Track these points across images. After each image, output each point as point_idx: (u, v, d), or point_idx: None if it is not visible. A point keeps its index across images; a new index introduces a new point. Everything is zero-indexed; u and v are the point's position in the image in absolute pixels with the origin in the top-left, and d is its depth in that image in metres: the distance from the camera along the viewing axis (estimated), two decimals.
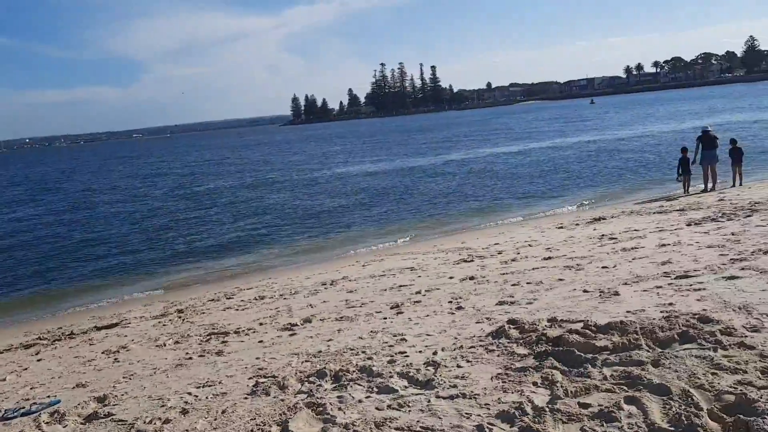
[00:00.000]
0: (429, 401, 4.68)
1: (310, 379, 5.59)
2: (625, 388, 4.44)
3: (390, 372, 5.40)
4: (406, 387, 5.05)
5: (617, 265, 8.77)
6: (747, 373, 4.39)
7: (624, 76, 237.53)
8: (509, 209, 20.48)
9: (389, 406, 4.70)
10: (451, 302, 7.95)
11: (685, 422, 3.87)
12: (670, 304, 6.33)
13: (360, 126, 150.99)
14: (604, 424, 3.99)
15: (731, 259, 7.95)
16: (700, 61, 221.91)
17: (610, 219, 14.45)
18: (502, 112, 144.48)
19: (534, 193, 23.28)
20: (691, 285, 6.96)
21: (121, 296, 13.30)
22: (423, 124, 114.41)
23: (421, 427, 4.29)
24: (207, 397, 5.51)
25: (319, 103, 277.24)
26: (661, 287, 7.09)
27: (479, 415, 4.34)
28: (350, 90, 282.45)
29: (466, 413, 4.40)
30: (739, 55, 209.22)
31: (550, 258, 10.27)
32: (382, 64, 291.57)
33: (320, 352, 6.51)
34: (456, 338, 6.25)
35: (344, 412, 4.67)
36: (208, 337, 7.85)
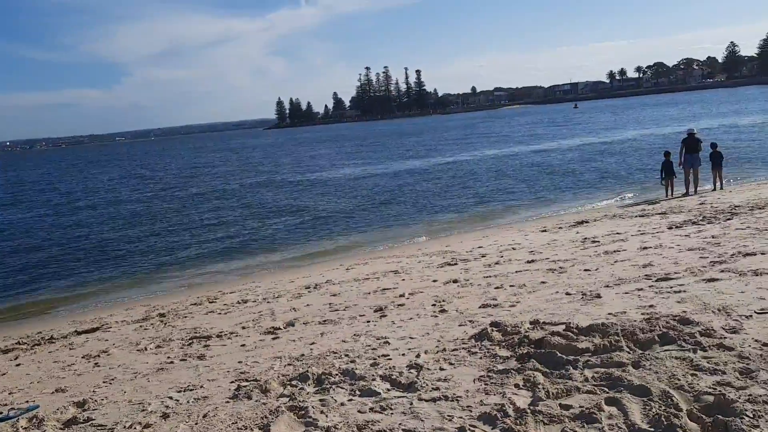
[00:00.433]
0: (411, 404, 4.68)
1: (293, 382, 5.56)
2: (606, 389, 4.46)
3: (373, 375, 5.39)
4: (388, 390, 5.04)
5: (599, 268, 8.83)
6: (726, 374, 4.43)
7: (607, 81, 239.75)
8: (493, 213, 20.56)
9: (371, 409, 4.69)
10: (434, 305, 7.96)
11: (665, 423, 3.90)
12: (651, 306, 6.38)
13: (345, 129, 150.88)
14: (585, 426, 4.01)
15: (711, 262, 8.04)
16: (682, 66, 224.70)
17: (593, 222, 14.55)
18: (486, 116, 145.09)
19: (518, 198, 23.38)
20: (671, 287, 7.03)
21: (102, 300, 13.15)
22: (409, 128, 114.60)
23: (403, 429, 4.28)
24: (188, 402, 5.46)
25: (303, 106, 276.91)
26: (642, 289, 7.15)
27: (461, 417, 4.35)
28: (335, 94, 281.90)
29: (449, 415, 4.40)
30: (720, 60, 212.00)
31: (533, 261, 10.32)
32: (367, 68, 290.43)
33: (303, 355, 6.48)
34: (439, 341, 6.26)
35: (326, 416, 4.65)
36: (190, 341, 7.79)
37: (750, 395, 4.06)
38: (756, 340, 4.95)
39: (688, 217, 12.83)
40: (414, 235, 17.55)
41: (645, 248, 9.90)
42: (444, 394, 4.78)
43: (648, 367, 4.70)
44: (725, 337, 5.10)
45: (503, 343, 5.80)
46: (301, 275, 12.83)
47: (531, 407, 4.33)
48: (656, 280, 7.50)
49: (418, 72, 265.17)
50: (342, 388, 5.20)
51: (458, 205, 22.75)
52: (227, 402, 5.32)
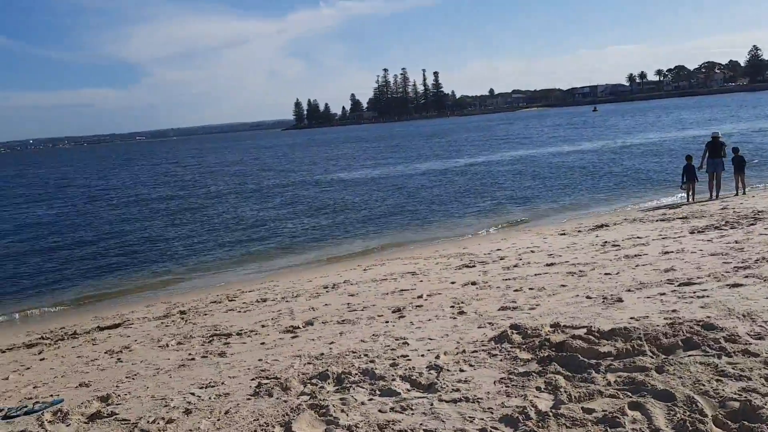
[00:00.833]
0: (432, 404, 4.68)
1: (313, 381, 5.59)
2: (629, 393, 4.44)
3: (392, 375, 5.40)
4: (408, 390, 5.05)
5: (620, 272, 8.76)
6: (751, 380, 4.39)
7: (627, 84, 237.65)
8: (511, 214, 20.48)
9: (392, 409, 4.70)
10: (453, 307, 7.95)
11: (690, 428, 3.87)
12: (674, 311, 6.32)
13: (363, 131, 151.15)
14: (609, 429, 3.99)
15: (735, 267, 7.95)
16: (703, 70, 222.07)
17: (613, 226, 14.44)
18: (504, 119, 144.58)
19: (536, 199, 23.27)
20: (694, 292, 6.96)
21: (124, 298, 13.29)
22: (427, 129, 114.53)
23: (424, 429, 4.29)
24: (210, 398, 5.51)
25: (321, 108, 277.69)
26: (664, 294, 7.09)
27: (482, 419, 4.34)
28: (353, 95, 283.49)
29: (470, 417, 4.40)
30: (742, 64, 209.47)
31: (552, 264, 10.27)
32: (385, 70, 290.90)
33: (322, 354, 6.51)
34: (458, 342, 6.25)
35: (347, 414, 4.67)
36: (211, 339, 7.85)
37: None
38: None
39: (711, 221, 12.69)
40: (433, 238, 17.54)
41: (667, 252, 9.81)
42: (465, 395, 4.78)
43: (672, 372, 4.66)
44: (750, 343, 5.05)
45: (523, 346, 5.79)
46: (319, 275, 12.87)
47: (553, 410, 4.32)
48: (679, 285, 7.44)
49: (435, 74, 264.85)
50: (362, 387, 5.22)
51: (479, 206, 22.69)
52: (248, 399, 5.37)
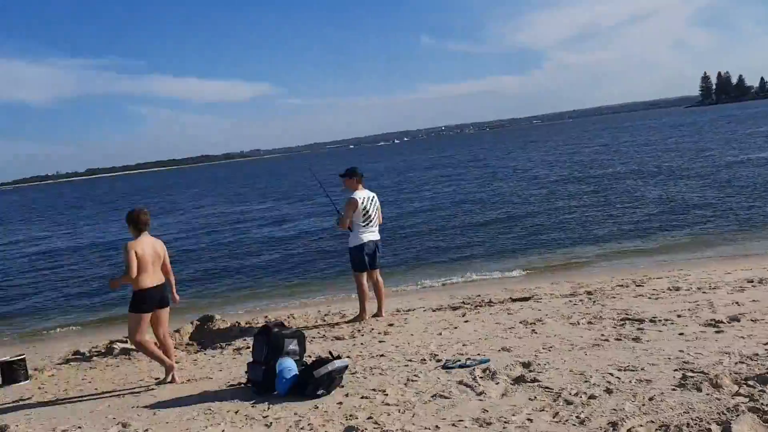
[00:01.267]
0: None
1: (749, 382, 5.05)
2: None
3: None
4: None
5: None
6: None
7: None
8: None
9: None
10: None
11: None
12: None
13: None
14: None
15: None
16: None
17: None
18: None
19: None
20: None
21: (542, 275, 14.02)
22: None
23: None
24: (630, 381, 5.43)
25: (734, 80, 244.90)
26: None
27: None
28: None
29: None
30: None
31: None
32: None
33: (757, 355, 5.81)
34: None
35: None
36: (622, 322, 7.71)
37: None
38: None
39: None
40: None
41: None
42: None
43: None
44: None
45: None
46: (740, 267, 11.49)
47: None
48: None
49: None
50: None
51: None
52: (673, 390, 5.12)
